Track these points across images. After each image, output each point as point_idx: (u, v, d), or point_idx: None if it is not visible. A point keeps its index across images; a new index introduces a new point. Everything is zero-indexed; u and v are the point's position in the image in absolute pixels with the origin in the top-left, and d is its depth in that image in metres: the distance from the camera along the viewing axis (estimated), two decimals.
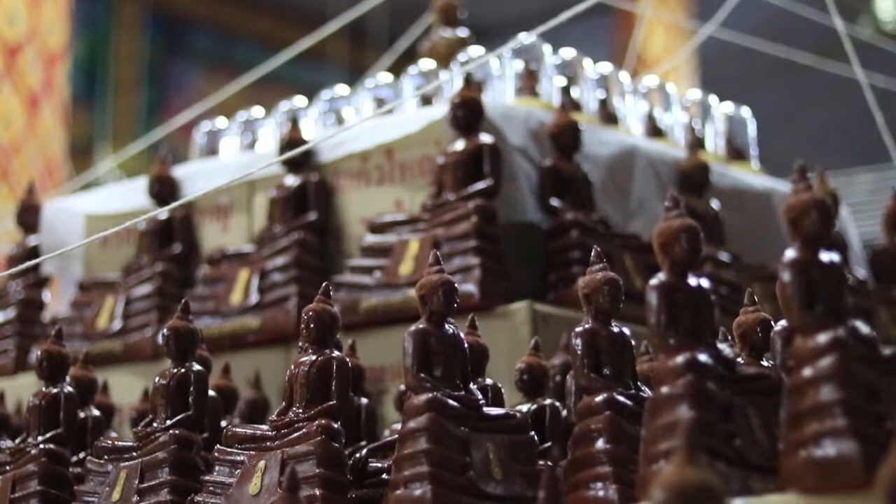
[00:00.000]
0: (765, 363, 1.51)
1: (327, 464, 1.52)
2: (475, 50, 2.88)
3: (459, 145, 2.40)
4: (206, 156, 3.15)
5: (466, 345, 1.55)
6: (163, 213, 2.76)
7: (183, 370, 1.74)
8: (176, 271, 2.75)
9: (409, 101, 2.78)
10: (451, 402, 1.47)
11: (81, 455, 1.91)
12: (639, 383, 1.53)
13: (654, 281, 1.35)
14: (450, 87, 2.68)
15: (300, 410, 1.59)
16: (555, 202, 2.46)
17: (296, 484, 1.20)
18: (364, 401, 2.03)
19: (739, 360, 1.42)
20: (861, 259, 3.05)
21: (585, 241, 2.34)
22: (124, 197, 2.99)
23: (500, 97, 2.70)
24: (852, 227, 3.18)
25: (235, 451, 1.63)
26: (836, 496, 1.13)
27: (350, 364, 1.62)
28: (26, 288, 2.99)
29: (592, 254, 1.59)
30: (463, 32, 3.16)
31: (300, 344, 1.65)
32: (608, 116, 2.85)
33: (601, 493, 1.42)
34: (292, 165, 2.63)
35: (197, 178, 2.87)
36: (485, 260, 2.26)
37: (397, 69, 3.03)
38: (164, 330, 1.77)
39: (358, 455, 1.63)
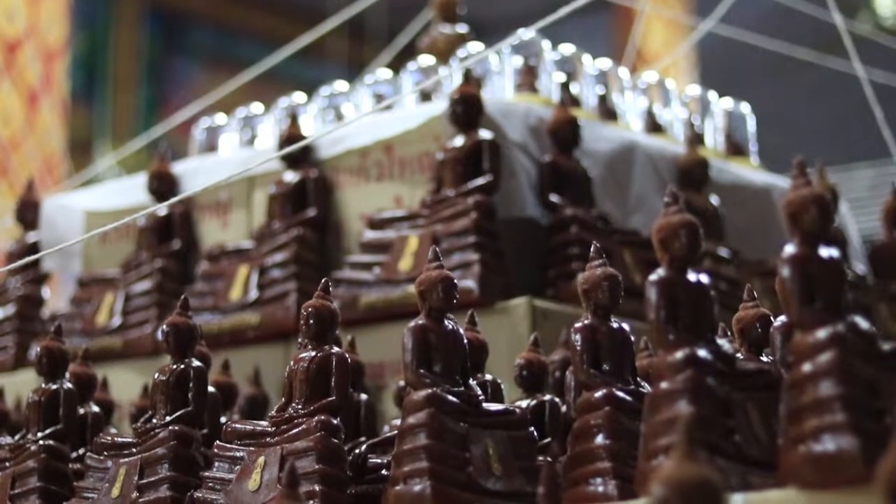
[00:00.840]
0: (764, 359, 1.51)
1: (327, 460, 1.52)
2: (474, 46, 2.88)
3: (459, 141, 2.39)
4: (205, 152, 3.15)
5: (466, 341, 1.55)
6: (162, 209, 2.76)
7: (182, 366, 1.74)
8: (175, 268, 2.75)
9: (409, 97, 2.78)
10: (450, 397, 1.47)
11: (81, 451, 1.91)
12: (638, 379, 1.53)
13: (653, 276, 1.35)
14: (449, 84, 2.68)
15: (300, 406, 1.58)
16: (554, 198, 2.46)
17: (295, 480, 1.20)
18: (363, 397, 2.03)
19: (739, 355, 1.42)
20: (860, 254, 3.05)
21: (585, 237, 2.34)
22: (124, 193, 2.99)
23: (500, 93, 2.69)
24: (852, 223, 3.18)
25: (235, 447, 1.63)
26: (836, 491, 1.13)
27: (349, 360, 1.62)
28: (26, 284, 2.99)
29: (592, 249, 1.59)
30: (462, 28, 3.16)
31: (299, 340, 1.64)
32: (607, 112, 2.85)
33: (601, 489, 1.43)
34: (291, 161, 2.63)
35: (196, 174, 2.87)
36: (484, 256, 2.26)
37: (396, 65, 3.02)
38: (164, 326, 1.77)
39: (357, 451, 1.63)
